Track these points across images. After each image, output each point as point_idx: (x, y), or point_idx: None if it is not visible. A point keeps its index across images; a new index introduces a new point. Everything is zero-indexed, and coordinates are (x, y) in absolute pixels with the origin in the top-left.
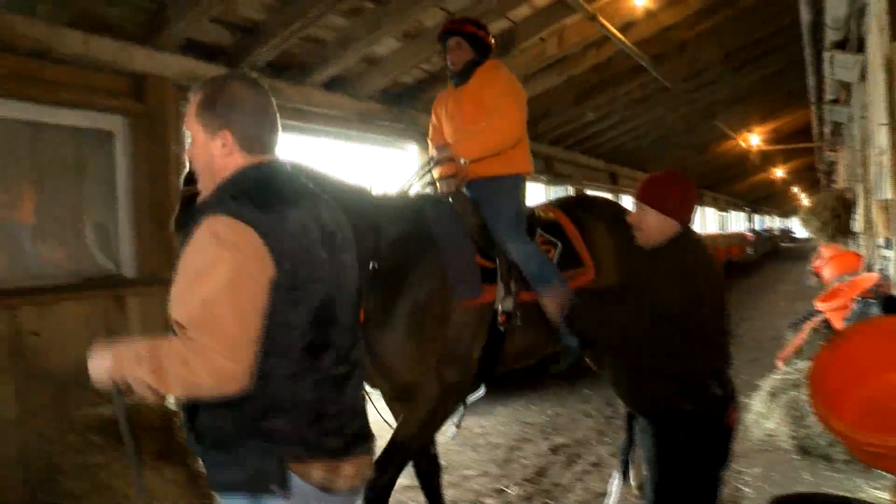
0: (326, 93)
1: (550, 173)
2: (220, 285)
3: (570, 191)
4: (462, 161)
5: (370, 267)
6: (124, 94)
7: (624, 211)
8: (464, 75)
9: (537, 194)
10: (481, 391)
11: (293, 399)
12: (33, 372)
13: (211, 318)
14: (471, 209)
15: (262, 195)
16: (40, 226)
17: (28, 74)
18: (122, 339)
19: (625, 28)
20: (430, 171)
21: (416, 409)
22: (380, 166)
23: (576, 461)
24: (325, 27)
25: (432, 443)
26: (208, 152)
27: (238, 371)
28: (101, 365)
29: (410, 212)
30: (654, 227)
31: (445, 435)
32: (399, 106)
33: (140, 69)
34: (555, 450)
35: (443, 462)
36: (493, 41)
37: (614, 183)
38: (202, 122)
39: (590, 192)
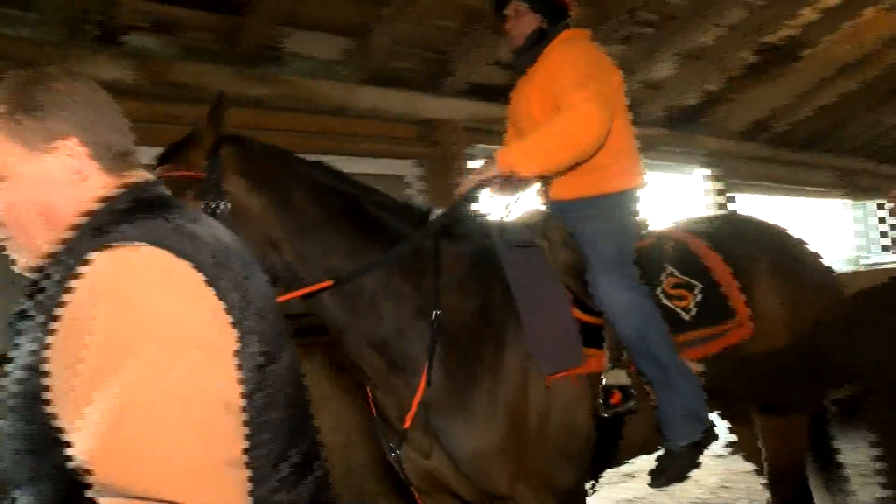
0: None
1: (852, 187)
2: (154, 370)
3: (867, 207)
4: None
5: (433, 316)
6: (415, 140)
7: (794, 238)
8: (529, 53)
9: (836, 212)
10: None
11: None
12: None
13: (137, 443)
14: (562, 242)
15: (177, 219)
16: None
17: (330, 131)
18: None
19: None
20: (476, 192)
21: None
22: (662, 192)
23: None
24: None
25: None
26: (37, 186)
27: None
28: None
29: (476, 245)
30: None
31: None
32: (679, 129)
33: (428, 115)
34: None
35: None
36: (571, 4)
37: None
38: (19, 137)
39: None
